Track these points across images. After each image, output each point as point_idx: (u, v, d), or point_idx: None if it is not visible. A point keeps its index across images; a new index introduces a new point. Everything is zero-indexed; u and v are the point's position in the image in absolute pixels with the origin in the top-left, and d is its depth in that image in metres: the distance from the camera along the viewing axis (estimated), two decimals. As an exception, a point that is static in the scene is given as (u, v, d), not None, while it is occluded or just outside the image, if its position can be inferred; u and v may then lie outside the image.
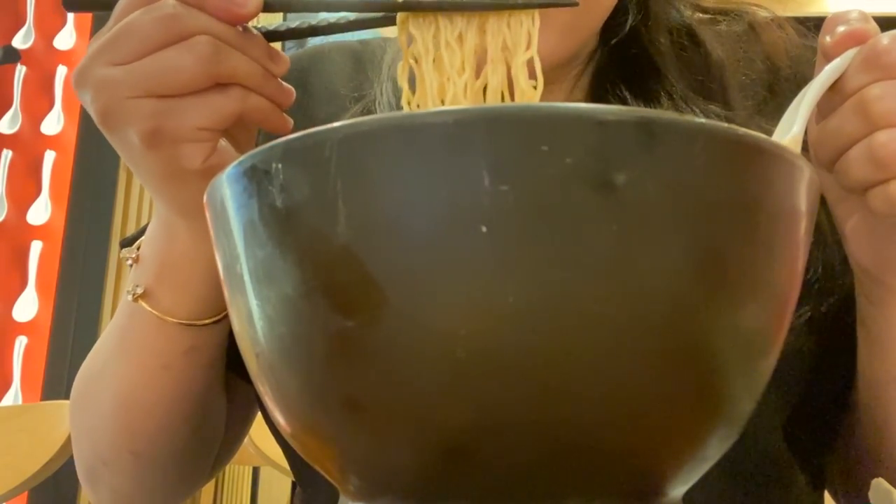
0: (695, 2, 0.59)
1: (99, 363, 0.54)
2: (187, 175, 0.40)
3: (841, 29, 0.38)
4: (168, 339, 0.49)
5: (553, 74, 0.55)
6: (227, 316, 0.48)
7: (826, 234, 0.48)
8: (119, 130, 0.39)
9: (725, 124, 0.26)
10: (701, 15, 0.58)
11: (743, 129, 0.26)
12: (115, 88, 0.38)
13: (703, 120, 0.25)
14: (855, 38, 0.38)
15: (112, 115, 0.39)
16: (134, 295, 0.48)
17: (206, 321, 0.48)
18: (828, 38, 0.38)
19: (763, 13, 0.59)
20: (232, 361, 0.59)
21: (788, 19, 0.59)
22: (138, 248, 0.49)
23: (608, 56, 0.55)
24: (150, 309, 0.48)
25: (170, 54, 0.37)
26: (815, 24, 0.43)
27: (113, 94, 0.38)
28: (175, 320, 0.47)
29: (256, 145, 0.35)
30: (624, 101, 0.53)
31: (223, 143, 0.42)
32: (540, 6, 0.40)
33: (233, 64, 0.38)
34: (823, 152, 0.39)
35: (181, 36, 0.37)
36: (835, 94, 0.38)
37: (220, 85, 0.39)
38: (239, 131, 0.44)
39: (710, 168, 0.25)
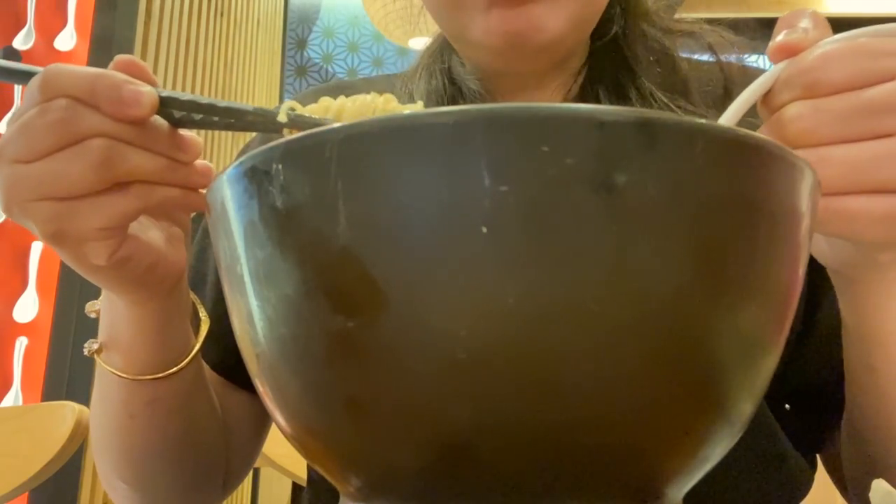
0: (663, 25, 0.64)
1: (94, 400, 0.55)
2: (98, 267, 0.40)
3: (777, 39, 0.37)
4: (129, 392, 0.50)
5: (555, 72, 0.60)
6: (183, 368, 0.49)
7: None
8: (24, 224, 0.39)
9: (725, 125, 0.26)
10: (669, 35, 0.64)
11: (743, 130, 0.26)
12: (14, 189, 0.37)
13: (703, 120, 0.25)
14: (785, 52, 0.37)
15: (13, 212, 0.38)
16: (89, 350, 0.49)
17: (159, 375, 0.48)
18: (770, 45, 0.38)
19: (715, 36, 0.63)
20: (239, 374, 0.60)
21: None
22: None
23: (593, 65, 0.61)
24: (104, 365, 0.48)
25: (63, 158, 0.36)
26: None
27: (12, 194, 0.37)
28: (129, 377, 0.48)
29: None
30: (597, 97, 0.59)
31: (140, 229, 0.42)
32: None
33: (130, 164, 0.37)
34: None
35: (73, 139, 0.36)
36: (763, 107, 0.38)
37: (119, 184, 0.37)
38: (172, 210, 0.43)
39: (710, 168, 0.25)
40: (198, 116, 0.39)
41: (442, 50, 0.65)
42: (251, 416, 0.63)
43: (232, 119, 0.39)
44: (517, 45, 0.54)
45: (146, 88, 0.37)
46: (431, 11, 0.59)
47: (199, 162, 0.41)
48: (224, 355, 0.60)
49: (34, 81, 0.37)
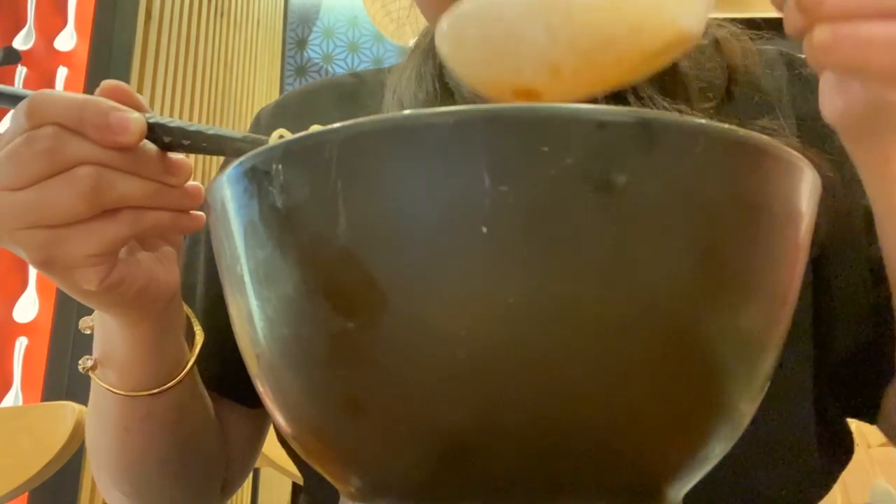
0: None
1: (89, 413, 0.55)
2: (90, 292, 0.40)
3: None
4: (124, 407, 0.49)
5: None
6: (178, 383, 0.49)
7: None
8: (13, 250, 0.38)
9: (726, 125, 0.26)
10: None
11: (743, 130, 0.26)
12: (2, 217, 0.37)
13: (703, 120, 0.25)
14: None
15: (3, 239, 0.38)
16: (83, 367, 0.48)
17: (154, 391, 0.48)
18: None
19: (723, 31, 0.60)
20: (232, 389, 0.59)
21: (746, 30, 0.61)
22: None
23: None
24: (99, 382, 0.48)
25: (51, 186, 0.36)
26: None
27: (1, 222, 0.37)
28: (123, 393, 0.48)
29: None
30: (594, 100, 0.55)
31: (130, 251, 0.41)
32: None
33: (119, 191, 0.37)
34: (775, 3, 0.38)
35: (62, 167, 0.36)
36: None
37: (109, 210, 0.37)
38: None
39: (710, 168, 0.25)
40: (186, 142, 0.39)
41: (434, 49, 0.61)
42: (247, 426, 0.63)
43: (219, 146, 0.39)
44: None
45: (134, 115, 0.37)
46: (428, 19, 0.56)
47: (190, 184, 0.40)
48: (216, 372, 0.58)
49: (20, 108, 0.37)
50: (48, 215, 0.36)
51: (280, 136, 0.39)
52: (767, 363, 0.29)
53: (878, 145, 0.39)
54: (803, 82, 0.58)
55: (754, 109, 0.55)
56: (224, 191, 0.29)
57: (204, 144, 0.39)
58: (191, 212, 0.41)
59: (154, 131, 0.38)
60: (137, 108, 0.39)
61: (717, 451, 0.29)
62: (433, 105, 0.58)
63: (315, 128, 0.40)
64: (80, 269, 0.38)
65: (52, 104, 0.36)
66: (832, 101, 0.39)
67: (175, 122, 0.39)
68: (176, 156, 0.40)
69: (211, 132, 0.39)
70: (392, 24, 2.34)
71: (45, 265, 0.38)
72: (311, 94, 0.69)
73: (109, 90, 0.39)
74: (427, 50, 0.62)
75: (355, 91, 0.67)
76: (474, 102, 0.58)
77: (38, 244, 0.37)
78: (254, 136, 0.39)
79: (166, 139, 0.39)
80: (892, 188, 0.40)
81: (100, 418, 0.52)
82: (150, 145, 0.38)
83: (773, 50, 0.61)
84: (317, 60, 2.91)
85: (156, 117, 0.38)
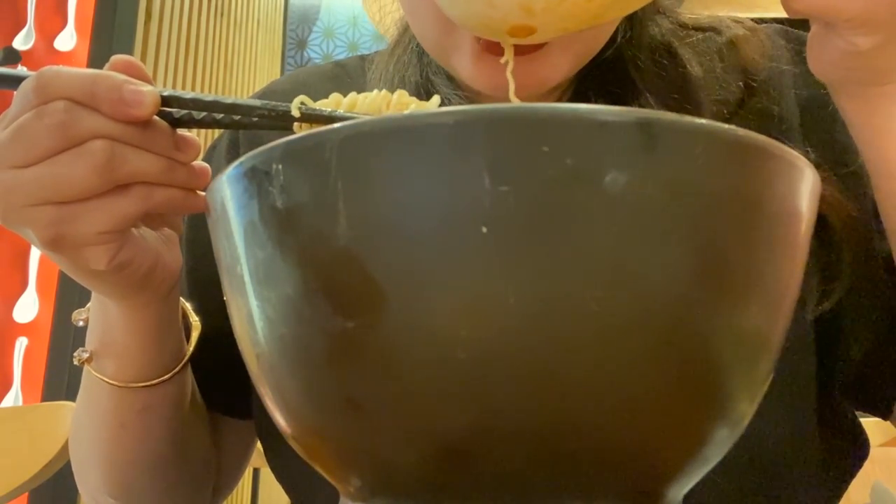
0: (678, 21, 0.57)
1: (78, 413, 0.54)
2: (97, 272, 0.39)
3: None
4: (120, 400, 0.49)
5: (548, 93, 0.54)
6: (176, 374, 0.48)
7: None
8: (20, 231, 0.38)
9: (726, 125, 0.26)
10: (681, 31, 0.57)
11: (743, 130, 0.26)
12: (10, 194, 0.36)
13: (703, 120, 0.25)
14: None
15: (10, 219, 0.37)
16: (79, 359, 0.48)
17: (153, 382, 0.48)
18: None
19: (740, 29, 0.57)
20: (220, 402, 0.59)
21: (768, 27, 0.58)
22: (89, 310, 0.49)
23: (589, 72, 0.54)
24: (96, 374, 0.48)
25: (63, 161, 0.35)
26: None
27: (10, 200, 0.36)
28: (121, 384, 0.47)
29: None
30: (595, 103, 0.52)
31: (137, 232, 0.41)
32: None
33: (132, 166, 0.37)
34: None
35: (74, 142, 0.35)
36: None
37: (120, 186, 0.37)
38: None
39: (710, 168, 0.25)
40: (199, 115, 0.38)
41: (418, 52, 0.58)
42: (234, 437, 0.62)
43: (237, 115, 0.38)
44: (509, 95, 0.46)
45: (147, 88, 0.37)
46: (415, 30, 0.52)
47: (197, 163, 0.40)
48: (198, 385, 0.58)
49: (27, 84, 0.36)
50: (59, 190, 0.36)
51: (301, 102, 0.38)
52: (767, 363, 0.29)
53: (862, 97, 0.40)
54: (806, 66, 0.56)
55: (769, 124, 0.53)
56: (224, 191, 0.29)
57: (219, 115, 0.38)
58: (197, 192, 0.41)
59: (168, 104, 0.38)
60: (146, 82, 0.38)
61: (716, 451, 0.29)
62: None
63: (335, 95, 0.40)
64: (90, 247, 0.38)
65: (61, 79, 0.36)
66: (817, 55, 0.39)
67: (189, 93, 0.38)
68: (185, 133, 0.39)
69: (227, 101, 0.38)
70: (392, 23, 2.34)
71: (53, 244, 0.37)
72: (292, 85, 0.67)
73: (119, 64, 0.39)
74: (411, 51, 0.59)
75: (340, 79, 0.66)
76: None
77: (47, 222, 0.36)
78: (274, 103, 0.38)
79: (177, 114, 0.38)
80: (881, 141, 0.40)
81: (93, 416, 0.51)
82: (160, 121, 0.38)
83: (773, 29, 0.59)
84: (317, 60, 2.91)
85: (169, 90, 0.38)
